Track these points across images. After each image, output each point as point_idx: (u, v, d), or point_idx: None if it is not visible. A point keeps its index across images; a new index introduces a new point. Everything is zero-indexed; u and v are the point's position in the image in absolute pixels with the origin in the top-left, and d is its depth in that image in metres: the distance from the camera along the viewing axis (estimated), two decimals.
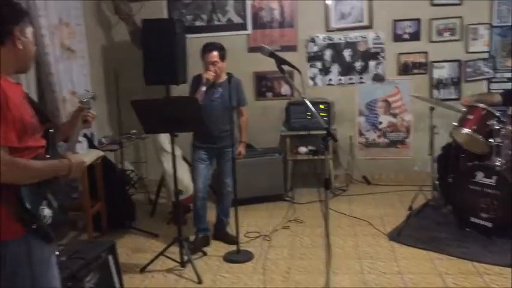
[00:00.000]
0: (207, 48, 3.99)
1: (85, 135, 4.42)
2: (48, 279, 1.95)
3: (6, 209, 1.79)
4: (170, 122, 3.46)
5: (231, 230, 4.28)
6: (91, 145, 4.54)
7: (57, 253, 2.03)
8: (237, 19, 5.74)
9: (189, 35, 5.34)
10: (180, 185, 4.10)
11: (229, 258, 3.89)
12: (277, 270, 3.65)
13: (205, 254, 3.99)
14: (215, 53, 3.95)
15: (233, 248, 4.00)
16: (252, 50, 5.75)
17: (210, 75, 3.92)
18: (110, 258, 2.97)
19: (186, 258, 3.72)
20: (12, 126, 1.79)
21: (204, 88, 3.88)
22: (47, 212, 1.88)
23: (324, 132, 2.77)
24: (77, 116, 2.27)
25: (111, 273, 2.98)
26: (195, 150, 4.09)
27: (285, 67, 2.88)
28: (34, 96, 4.09)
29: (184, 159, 4.95)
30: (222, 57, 4.00)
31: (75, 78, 4.70)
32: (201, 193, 4.06)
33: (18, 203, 1.78)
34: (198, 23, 5.79)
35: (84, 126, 2.32)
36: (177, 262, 3.75)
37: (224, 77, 4.05)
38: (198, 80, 4.00)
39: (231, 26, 5.75)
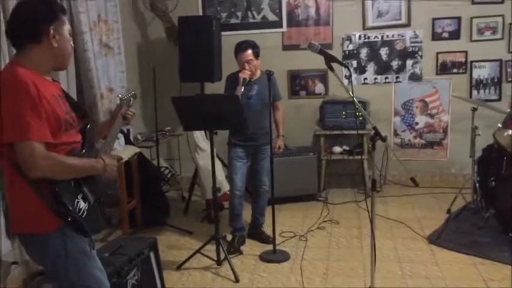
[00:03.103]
0: (241, 46, 3.95)
1: (122, 131, 4.44)
2: (86, 270, 1.98)
3: (44, 203, 1.83)
4: (210, 119, 3.44)
5: (265, 229, 4.25)
6: (127, 141, 4.55)
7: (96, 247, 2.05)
8: (272, 17, 5.69)
9: (223, 32, 5.32)
10: None
11: (265, 258, 3.85)
12: (315, 271, 3.60)
13: (241, 253, 3.97)
14: (249, 51, 3.91)
15: (269, 247, 3.97)
16: (287, 48, 5.70)
17: (246, 74, 3.88)
18: (152, 254, 2.97)
19: (222, 256, 3.70)
20: (47, 122, 1.83)
21: (242, 88, 3.84)
22: (82, 205, 1.91)
23: (363, 131, 2.70)
24: (117, 113, 2.30)
25: (153, 269, 2.98)
26: (232, 148, 4.05)
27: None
28: (73, 92, 4.13)
29: (218, 156, 4.92)
30: (256, 54, 3.96)
31: (112, 74, 4.72)
32: (239, 191, 4.02)
33: (55, 196, 1.82)
34: (232, 21, 5.76)
35: (123, 123, 2.36)
36: (213, 260, 3.73)
37: (258, 74, 4.02)
38: (232, 79, 3.97)
39: (265, 24, 5.70)
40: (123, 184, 4.14)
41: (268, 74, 3.76)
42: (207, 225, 4.60)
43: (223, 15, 5.74)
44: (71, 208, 1.85)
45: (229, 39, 5.05)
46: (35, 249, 1.97)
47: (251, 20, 5.73)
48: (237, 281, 3.47)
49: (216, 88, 5.01)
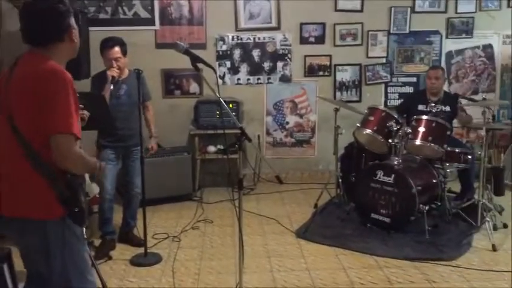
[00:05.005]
0: (108, 43, 3.79)
1: None
2: (78, 254, 2.06)
3: (52, 191, 1.89)
4: None
5: (137, 231, 4.14)
6: None
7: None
8: (144, 13, 5.55)
9: (91, 28, 5.06)
10: None
11: (136, 262, 3.74)
12: (187, 272, 3.59)
13: (110, 258, 3.81)
14: (117, 48, 3.77)
15: (140, 250, 3.86)
16: (160, 46, 5.60)
17: (114, 72, 3.74)
18: (5, 267, 2.72)
19: (89, 263, 3.52)
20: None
21: (111, 86, 3.69)
22: (82, 198, 2.00)
23: (235, 131, 2.76)
24: None
25: (6, 283, 2.73)
26: (101, 150, 3.88)
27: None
28: None
29: None
30: (124, 52, 3.84)
31: None
32: (109, 195, 3.86)
33: (67, 187, 1.90)
34: (101, 16, 5.51)
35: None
36: None
37: (127, 73, 3.90)
38: (99, 79, 3.81)
39: (137, 21, 5.55)
40: None
41: (138, 73, 3.66)
42: None
43: (91, 9, 5.47)
44: (78, 199, 1.94)
45: (97, 35, 4.77)
46: (31, 234, 1.96)
47: (122, 16, 5.53)
48: None
49: (83, 86, 4.67)
